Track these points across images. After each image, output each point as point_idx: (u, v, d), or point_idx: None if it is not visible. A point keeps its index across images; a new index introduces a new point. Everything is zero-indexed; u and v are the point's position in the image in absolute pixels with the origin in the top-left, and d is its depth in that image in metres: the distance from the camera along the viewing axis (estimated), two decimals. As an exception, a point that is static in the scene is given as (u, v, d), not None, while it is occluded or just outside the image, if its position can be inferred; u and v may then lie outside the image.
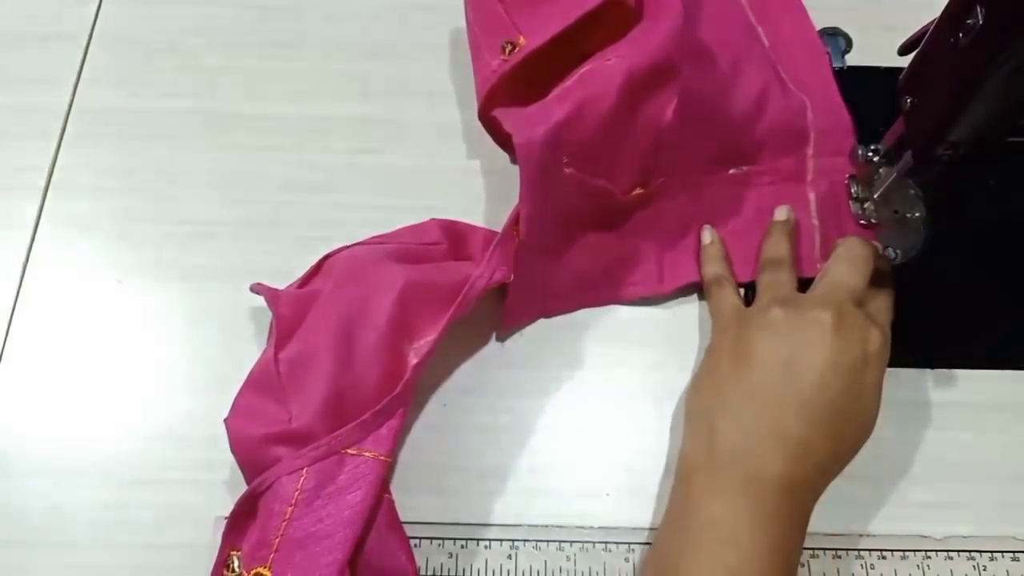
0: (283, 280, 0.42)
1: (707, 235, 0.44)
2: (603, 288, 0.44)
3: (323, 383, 0.35)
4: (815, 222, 0.45)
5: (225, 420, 0.37)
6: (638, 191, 0.43)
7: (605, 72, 0.39)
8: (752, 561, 0.32)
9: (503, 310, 0.42)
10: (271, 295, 0.39)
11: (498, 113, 0.44)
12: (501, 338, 0.43)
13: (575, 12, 0.40)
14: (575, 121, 0.39)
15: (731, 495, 0.34)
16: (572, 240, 0.43)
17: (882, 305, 0.40)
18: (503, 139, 0.46)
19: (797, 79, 0.48)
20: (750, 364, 0.36)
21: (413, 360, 0.37)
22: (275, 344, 0.37)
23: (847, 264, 0.38)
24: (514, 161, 0.46)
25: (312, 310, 0.38)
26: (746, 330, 0.38)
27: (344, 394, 0.36)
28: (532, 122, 0.39)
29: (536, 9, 0.43)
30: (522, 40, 0.42)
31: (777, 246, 0.43)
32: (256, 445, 0.35)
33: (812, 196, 0.46)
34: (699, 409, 0.38)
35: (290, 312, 0.38)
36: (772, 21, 0.49)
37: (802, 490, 0.35)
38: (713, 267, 0.43)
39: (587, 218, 0.43)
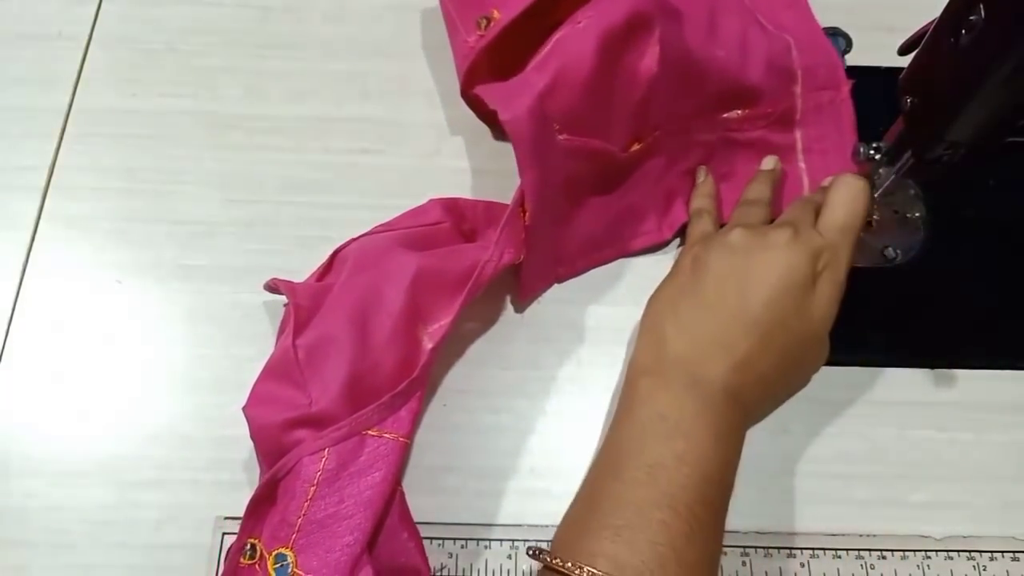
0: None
1: (701, 174, 0.46)
2: (611, 245, 0.45)
3: (342, 367, 0.36)
4: (802, 166, 0.46)
5: (244, 408, 0.37)
6: (636, 147, 0.44)
7: (578, 35, 0.40)
8: (698, 449, 0.34)
9: (519, 283, 0.42)
10: (288, 288, 0.40)
11: (480, 90, 0.44)
12: (519, 309, 0.44)
13: None
14: (557, 88, 0.39)
15: (677, 391, 0.35)
16: (578, 205, 0.44)
17: (842, 229, 0.39)
18: (488, 116, 0.46)
19: (777, 23, 0.48)
20: (704, 278, 0.38)
21: (428, 344, 0.38)
22: (293, 332, 0.38)
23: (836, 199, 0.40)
24: (498, 137, 0.47)
25: (327, 299, 0.39)
26: (706, 248, 0.39)
27: (363, 377, 0.36)
28: (514, 95, 0.39)
29: None
30: (496, 14, 0.42)
31: (759, 190, 0.44)
32: (276, 431, 0.35)
33: (799, 137, 0.47)
34: (652, 318, 0.39)
35: (307, 303, 0.39)
36: None
37: (744, 399, 0.36)
38: (699, 201, 0.45)
39: (589, 181, 0.43)
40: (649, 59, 0.40)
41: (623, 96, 0.41)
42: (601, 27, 0.39)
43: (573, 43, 0.40)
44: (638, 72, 0.41)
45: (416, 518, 0.38)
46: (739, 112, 0.46)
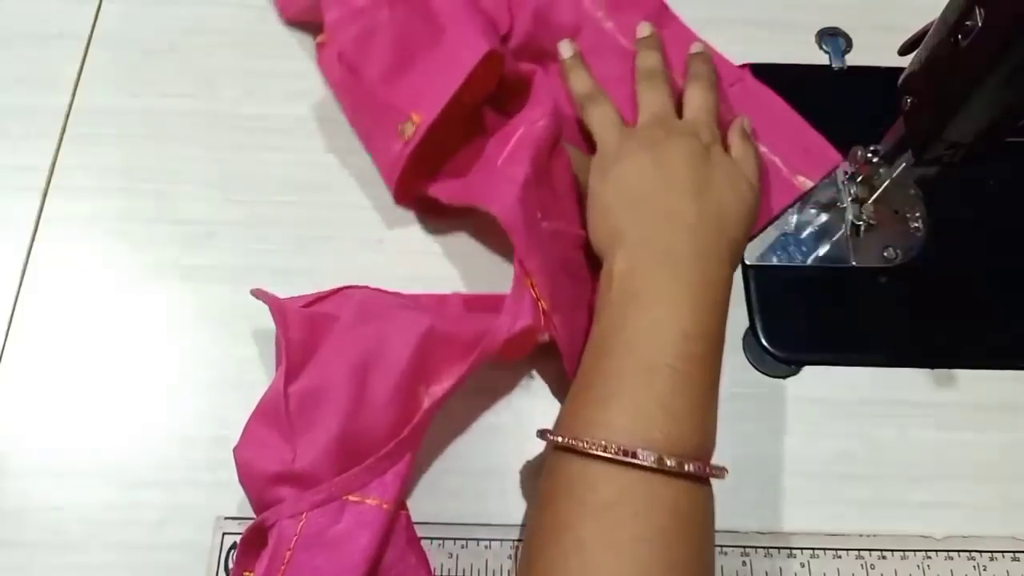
0: (283, 280, 0.42)
1: (566, 50, 0.49)
2: None
3: (332, 423, 0.35)
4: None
5: (234, 449, 0.36)
6: None
7: (540, 132, 0.41)
8: (673, 312, 0.36)
9: (564, 363, 0.40)
10: (277, 307, 0.38)
11: (436, 191, 0.44)
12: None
13: (457, 75, 0.40)
14: (534, 179, 0.40)
15: (647, 266, 0.38)
16: (583, 288, 0.43)
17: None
18: (431, 204, 0.45)
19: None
20: (633, 169, 0.42)
21: (426, 405, 0.37)
22: (285, 375, 0.36)
23: (702, 88, 0.46)
24: (448, 224, 0.47)
25: (327, 341, 0.37)
26: (629, 145, 0.43)
27: (353, 436, 0.35)
28: (494, 188, 0.40)
29: (411, 85, 0.43)
30: (416, 117, 0.42)
31: (649, 57, 0.48)
32: (261, 483, 0.35)
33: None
34: (602, 205, 0.42)
35: (300, 336, 0.37)
36: None
37: (709, 250, 0.39)
38: (583, 85, 0.48)
39: (584, 263, 0.43)
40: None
41: (573, 189, 0.44)
42: (558, 124, 0.42)
43: (537, 138, 0.41)
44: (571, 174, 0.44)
45: (416, 518, 0.38)
46: None
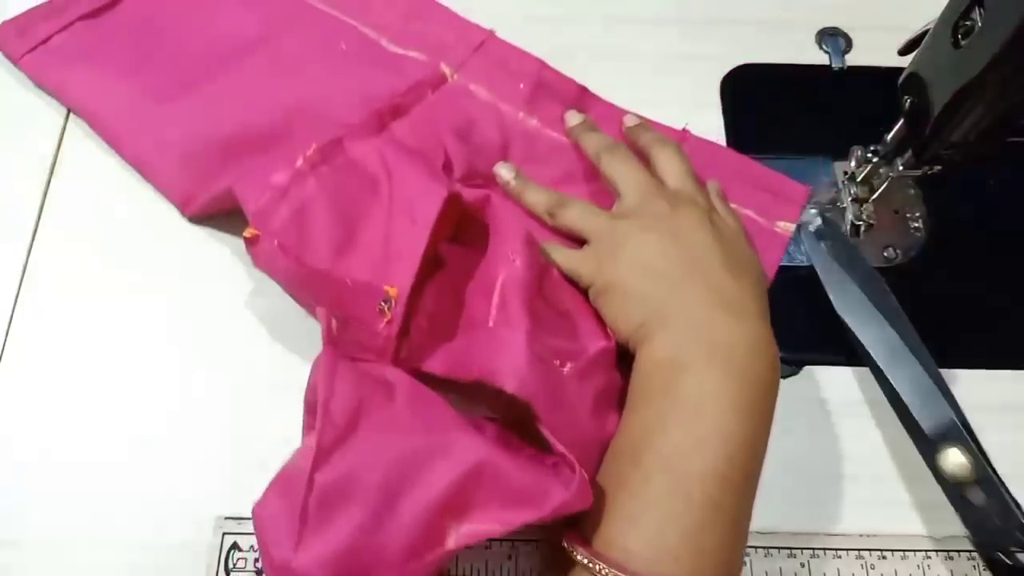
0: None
1: (505, 171, 0.45)
2: None
3: (346, 532, 0.31)
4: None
5: (254, 506, 0.33)
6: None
7: (521, 272, 0.38)
8: (720, 429, 0.33)
9: None
10: (326, 368, 0.34)
11: (430, 366, 0.38)
12: None
13: (422, 231, 0.37)
14: (536, 328, 0.37)
15: (697, 368, 0.35)
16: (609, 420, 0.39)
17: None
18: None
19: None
20: (659, 250, 0.39)
21: (451, 545, 0.32)
22: (315, 456, 0.32)
23: (669, 154, 0.43)
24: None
25: (368, 423, 0.33)
26: (633, 228, 0.40)
27: (362, 551, 0.31)
28: (500, 355, 0.36)
29: (371, 255, 0.39)
30: (392, 291, 0.37)
31: (593, 137, 0.45)
32: (265, 560, 0.32)
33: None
34: (630, 296, 0.38)
35: (344, 408, 0.33)
36: None
37: (758, 339, 0.36)
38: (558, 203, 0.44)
39: (610, 392, 0.40)
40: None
41: (581, 297, 0.41)
42: (535, 251, 0.40)
43: (521, 280, 0.38)
44: (567, 283, 0.41)
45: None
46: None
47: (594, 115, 0.48)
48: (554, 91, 0.49)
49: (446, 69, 0.49)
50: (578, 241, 0.42)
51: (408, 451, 0.32)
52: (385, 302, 0.37)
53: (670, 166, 0.43)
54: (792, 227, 0.46)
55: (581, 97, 0.49)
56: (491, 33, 0.50)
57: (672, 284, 0.37)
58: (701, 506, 0.32)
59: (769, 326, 0.37)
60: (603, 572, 0.31)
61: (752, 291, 0.37)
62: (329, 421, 0.32)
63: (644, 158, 0.44)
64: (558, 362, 0.37)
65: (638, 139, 0.45)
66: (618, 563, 0.31)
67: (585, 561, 0.31)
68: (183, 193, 0.44)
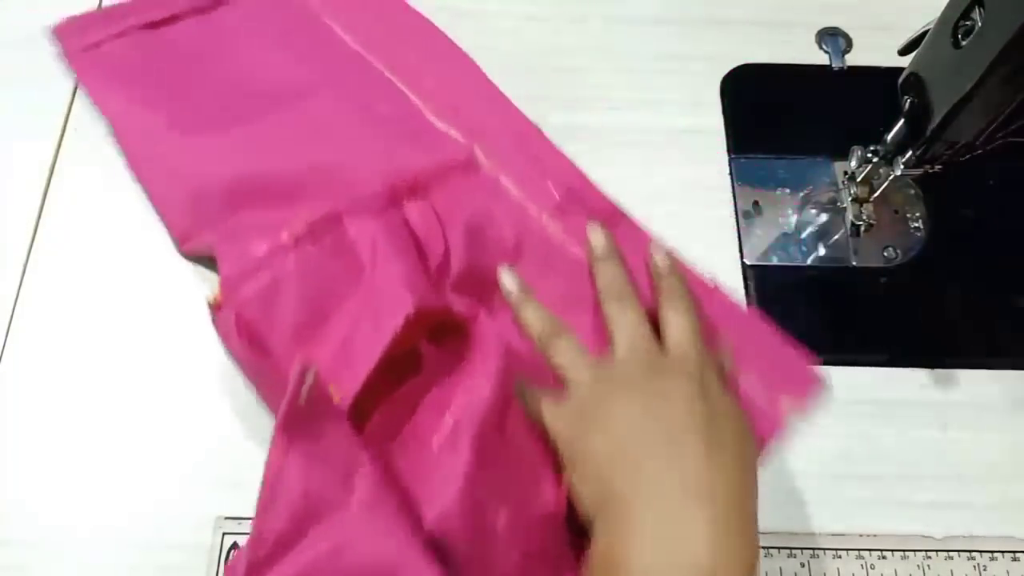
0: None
1: (509, 281, 0.42)
2: None
3: None
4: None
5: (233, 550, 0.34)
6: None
7: (483, 408, 0.36)
8: None
9: None
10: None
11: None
12: None
13: (378, 343, 0.36)
14: (479, 465, 0.34)
15: (658, 566, 0.31)
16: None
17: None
18: None
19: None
20: (644, 425, 0.34)
21: None
22: (247, 568, 0.31)
23: (681, 310, 0.39)
24: None
25: (311, 539, 0.32)
26: (611, 392, 0.36)
27: None
28: (433, 482, 0.35)
29: (326, 350, 0.38)
30: (334, 393, 0.36)
31: (609, 272, 0.41)
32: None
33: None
34: (587, 463, 0.35)
35: (290, 510, 0.32)
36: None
37: (733, 548, 0.31)
38: (543, 325, 0.40)
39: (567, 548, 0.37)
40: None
41: (537, 447, 0.37)
42: (505, 389, 0.36)
43: (480, 414, 0.35)
44: (533, 429, 0.37)
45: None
46: None
47: (620, 235, 0.44)
48: (586, 202, 0.45)
49: (480, 155, 0.46)
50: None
51: (353, 570, 0.31)
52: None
53: (675, 325, 0.38)
54: (799, 413, 0.40)
55: (613, 215, 0.45)
56: (536, 128, 0.47)
57: (641, 467, 0.33)
58: None
59: (751, 523, 0.32)
60: None
61: (735, 486, 0.33)
62: (271, 525, 0.31)
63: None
64: (495, 510, 0.34)
65: (658, 281, 0.41)
66: None
67: None
68: (183, 230, 0.44)
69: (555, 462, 0.36)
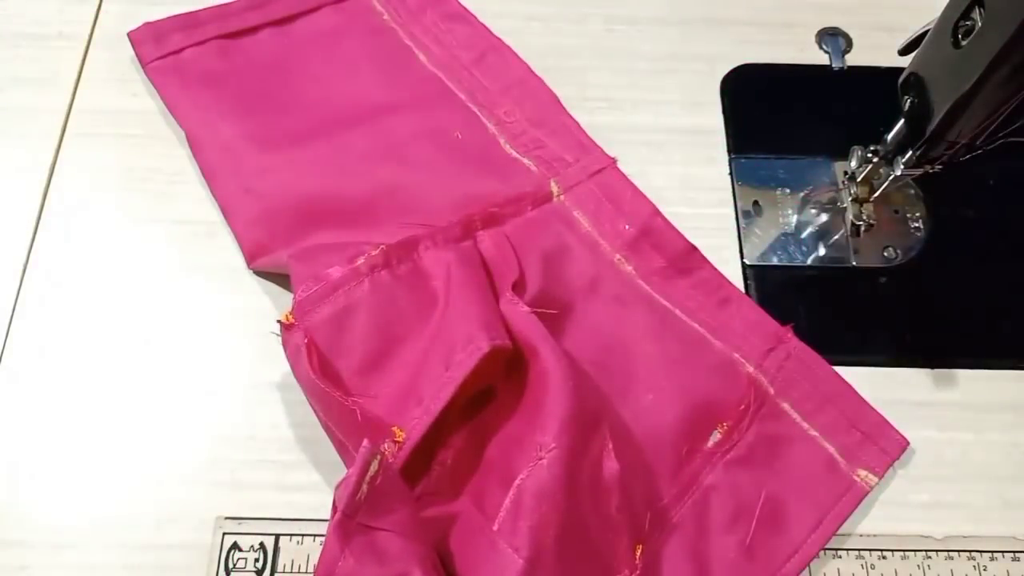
0: (283, 281, 0.42)
1: None
2: None
3: None
4: None
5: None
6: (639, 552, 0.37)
7: (547, 483, 0.34)
8: None
9: None
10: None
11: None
12: None
13: (449, 382, 0.36)
14: (540, 561, 0.33)
15: None
16: None
17: None
18: None
19: None
20: None
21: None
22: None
23: None
24: None
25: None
26: None
27: None
28: (491, 568, 0.33)
29: (393, 387, 0.37)
30: (400, 434, 0.35)
31: None
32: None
33: None
34: None
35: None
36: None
37: None
38: None
39: None
40: (609, 459, 0.36)
41: (602, 512, 0.36)
42: (574, 458, 0.34)
43: (542, 492, 0.33)
44: (603, 479, 0.36)
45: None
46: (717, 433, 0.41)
47: (695, 279, 0.44)
48: (660, 242, 0.45)
49: (555, 188, 0.46)
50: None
51: None
52: (393, 443, 0.35)
53: None
54: (875, 480, 0.40)
55: (688, 255, 0.44)
56: (613, 162, 0.47)
57: None
58: None
59: None
60: None
61: None
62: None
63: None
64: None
65: None
66: None
67: None
68: (253, 245, 0.43)
69: (629, 528, 0.35)
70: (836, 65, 0.51)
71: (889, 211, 0.47)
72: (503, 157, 0.47)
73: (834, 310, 0.45)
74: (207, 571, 0.38)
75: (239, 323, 0.43)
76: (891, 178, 0.43)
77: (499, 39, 0.51)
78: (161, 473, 0.40)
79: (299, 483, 0.40)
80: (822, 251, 0.46)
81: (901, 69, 0.40)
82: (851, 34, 0.52)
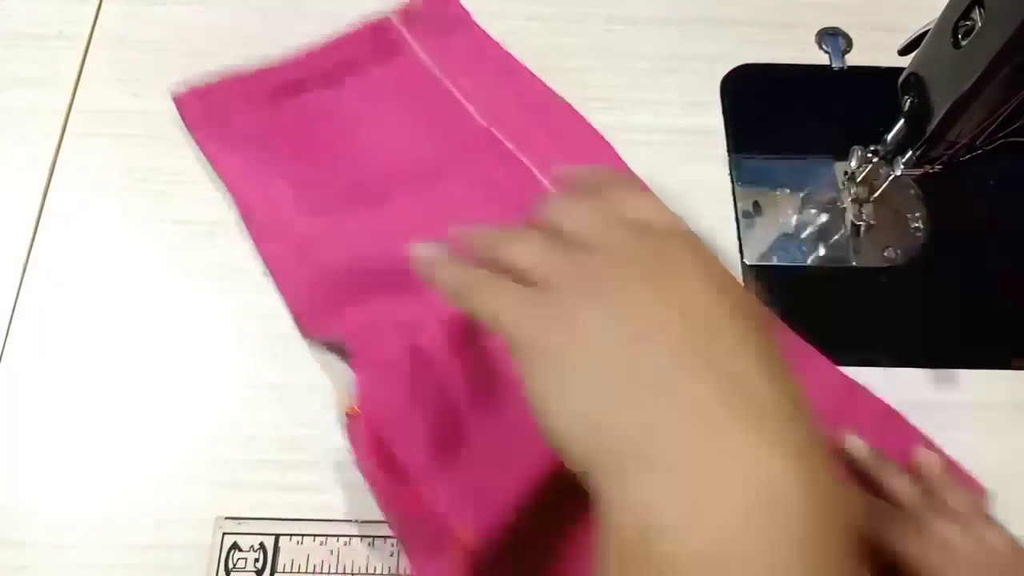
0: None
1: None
2: None
3: None
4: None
5: None
6: None
7: None
8: None
9: None
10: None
11: None
12: None
13: (516, 490, 0.34)
14: None
15: (681, 517, 0.21)
16: None
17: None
18: None
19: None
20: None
21: None
22: None
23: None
24: None
25: None
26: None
27: None
28: None
29: (459, 484, 0.35)
30: (465, 535, 0.34)
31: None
32: None
33: None
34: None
35: None
36: None
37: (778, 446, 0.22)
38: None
39: None
40: None
41: None
42: None
43: None
44: None
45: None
46: None
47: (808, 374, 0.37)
48: None
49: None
50: None
51: None
52: (454, 543, 0.33)
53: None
54: None
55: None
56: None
57: (618, 395, 0.23)
58: None
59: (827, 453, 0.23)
60: None
61: (789, 382, 0.23)
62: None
63: None
64: None
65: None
66: None
67: None
68: (306, 312, 0.42)
69: None
70: (836, 65, 0.51)
71: (889, 211, 0.46)
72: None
73: (834, 310, 0.45)
74: (207, 571, 0.38)
75: (239, 323, 0.43)
76: (891, 178, 0.43)
77: (551, 90, 0.49)
78: (161, 473, 0.40)
79: (299, 483, 0.40)
80: (822, 251, 0.46)
81: (901, 69, 0.40)
82: (851, 34, 0.52)
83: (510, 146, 0.47)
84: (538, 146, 0.47)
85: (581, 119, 0.48)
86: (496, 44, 0.50)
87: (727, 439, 0.21)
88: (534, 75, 0.49)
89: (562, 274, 0.25)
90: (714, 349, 0.23)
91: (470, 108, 0.48)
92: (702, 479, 0.21)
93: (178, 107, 0.47)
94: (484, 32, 0.51)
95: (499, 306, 0.26)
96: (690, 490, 0.21)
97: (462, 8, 0.51)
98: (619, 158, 0.47)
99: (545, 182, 0.46)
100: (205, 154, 0.46)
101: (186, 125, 0.47)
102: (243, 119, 0.47)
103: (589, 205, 0.27)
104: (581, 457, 0.23)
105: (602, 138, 0.48)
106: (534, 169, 0.46)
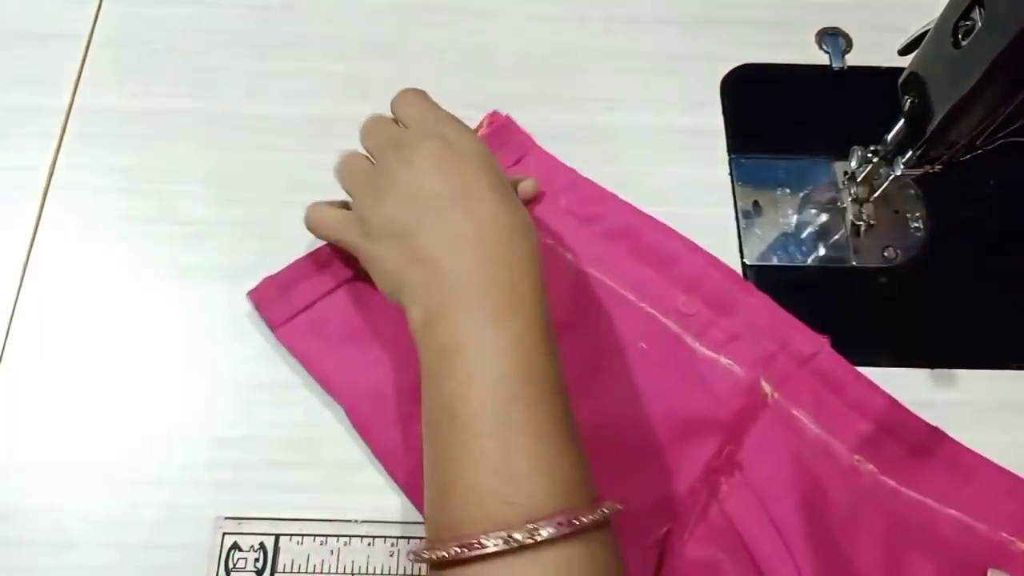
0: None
1: None
2: None
3: None
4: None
5: None
6: None
7: None
8: (486, 351, 0.31)
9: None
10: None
11: None
12: None
13: None
14: None
15: (439, 308, 0.33)
16: None
17: None
18: None
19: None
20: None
21: None
22: None
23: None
24: None
25: None
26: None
27: None
28: None
29: None
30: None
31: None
32: None
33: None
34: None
35: None
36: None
37: (500, 260, 0.33)
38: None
39: None
40: None
41: None
42: None
43: None
44: None
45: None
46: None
47: (937, 460, 0.40)
48: (899, 430, 0.40)
49: (766, 387, 0.41)
50: None
51: None
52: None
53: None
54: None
55: (932, 442, 0.40)
56: (825, 343, 0.41)
57: (399, 235, 0.35)
58: (494, 434, 0.29)
59: (520, 237, 0.34)
60: (438, 556, 0.28)
61: (492, 213, 0.34)
62: None
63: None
64: None
65: None
66: (450, 537, 0.28)
67: (425, 556, 0.29)
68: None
69: None
70: (836, 65, 0.51)
71: (889, 211, 0.46)
72: (696, 358, 0.42)
73: (834, 310, 0.45)
74: (207, 571, 0.38)
75: (239, 323, 0.43)
76: (891, 178, 0.43)
77: (657, 221, 0.45)
78: (161, 473, 0.40)
79: (299, 483, 0.40)
80: (822, 251, 0.46)
81: (901, 69, 0.40)
82: (851, 34, 0.52)
83: (624, 292, 0.44)
84: (652, 285, 0.44)
85: (694, 245, 0.44)
86: (564, 166, 0.47)
87: (447, 262, 0.34)
88: (629, 204, 0.46)
89: (385, 146, 0.38)
90: (431, 205, 0.35)
91: (565, 253, 0.45)
92: (436, 287, 0.33)
93: (257, 305, 0.43)
94: (549, 154, 0.47)
95: (379, 136, 0.39)
96: (432, 296, 0.33)
97: (524, 132, 0.48)
98: (744, 282, 0.44)
99: (673, 327, 0.43)
100: (293, 351, 0.42)
101: (268, 325, 0.42)
102: (328, 309, 0.43)
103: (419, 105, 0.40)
104: (393, 277, 0.36)
105: (717, 259, 0.44)
106: (657, 314, 0.43)
